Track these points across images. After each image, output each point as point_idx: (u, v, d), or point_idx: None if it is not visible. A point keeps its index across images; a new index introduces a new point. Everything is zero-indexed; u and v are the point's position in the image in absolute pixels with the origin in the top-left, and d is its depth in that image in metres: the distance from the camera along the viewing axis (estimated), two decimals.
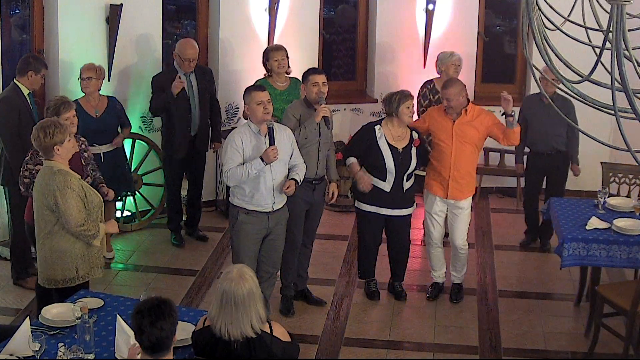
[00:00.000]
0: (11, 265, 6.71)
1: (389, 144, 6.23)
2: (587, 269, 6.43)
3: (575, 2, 2.43)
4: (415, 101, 6.77)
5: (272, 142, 5.57)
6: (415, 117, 6.87)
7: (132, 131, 7.49)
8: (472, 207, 6.67)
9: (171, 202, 7.62)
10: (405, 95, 6.22)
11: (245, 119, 5.83)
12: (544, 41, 1.90)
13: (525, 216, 7.79)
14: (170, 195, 7.60)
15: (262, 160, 5.51)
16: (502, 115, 6.24)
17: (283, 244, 5.95)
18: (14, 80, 6.49)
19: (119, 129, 7.19)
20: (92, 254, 5.07)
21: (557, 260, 6.35)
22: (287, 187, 5.68)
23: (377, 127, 6.28)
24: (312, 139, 6.06)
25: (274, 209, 5.73)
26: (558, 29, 2.04)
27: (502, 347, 5.96)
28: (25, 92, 6.45)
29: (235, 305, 3.75)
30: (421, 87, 7.59)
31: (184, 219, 7.73)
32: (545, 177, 7.60)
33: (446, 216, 6.59)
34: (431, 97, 7.45)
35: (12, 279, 6.67)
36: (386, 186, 6.27)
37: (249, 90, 5.72)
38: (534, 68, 2.07)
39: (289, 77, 7.28)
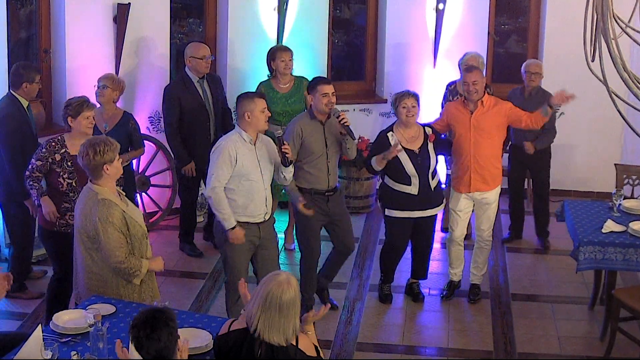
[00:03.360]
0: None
1: (404, 148, 6.15)
2: (601, 272, 6.37)
3: (634, 10, 2.34)
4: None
5: (285, 164, 5.48)
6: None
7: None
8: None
9: (187, 214, 7.46)
10: (402, 94, 6.16)
11: None
12: (618, 51, 1.81)
13: (510, 212, 7.85)
14: (186, 209, 7.45)
15: (231, 229, 5.41)
16: (547, 105, 6.16)
17: (277, 251, 5.85)
18: (11, 92, 6.27)
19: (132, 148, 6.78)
20: (139, 287, 4.76)
21: (569, 262, 6.30)
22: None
23: (389, 134, 6.22)
24: (318, 151, 5.98)
25: (265, 219, 5.62)
26: (625, 33, 1.95)
27: (517, 351, 5.89)
28: (25, 104, 6.26)
29: (279, 310, 3.67)
30: (445, 90, 7.71)
31: (205, 224, 7.57)
32: (528, 173, 7.73)
33: (471, 212, 6.56)
34: (450, 98, 7.54)
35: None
36: (413, 190, 6.18)
37: (250, 96, 5.51)
38: (613, 94, 1.96)
39: (293, 77, 7.22)
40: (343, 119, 5.89)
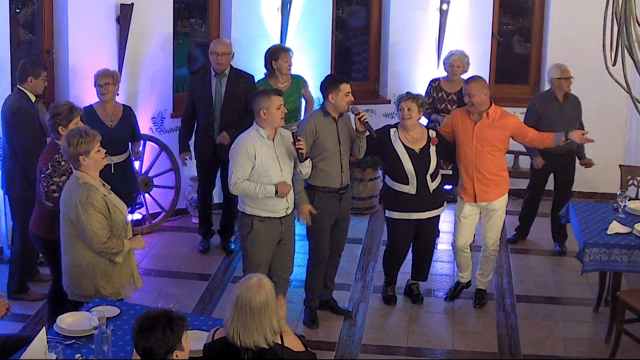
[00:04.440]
0: (9, 276, 6.46)
1: (405, 146, 6.14)
2: (606, 274, 6.34)
3: None
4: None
5: (301, 159, 5.52)
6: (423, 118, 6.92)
7: (142, 132, 7.40)
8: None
9: (199, 207, 7.55)
10: (401, 97, 6.20)
11: None
12: None
13: (522, 214, 7.81)
14: (199, 201, 7.53)
15: (276, 193, 5.47)
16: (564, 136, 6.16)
17: (294, 247, 5.89)
18: (18, 87, 6.29)
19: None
20: (118, 272, 4.83)
21: (574, 263, 6.27)
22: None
23: (392, 130, 6.23)
24: (331, 149, 5.95)
25: (287, 214, 5.67)
26: None
27: (522, 353, 5.87)
28: (33, 98, 6.28)
29: (250, 313, 3.67)
30: (428, 86, 7.70)
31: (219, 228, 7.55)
32: (550, 178, 7.60)
33: (478, 220, 6.51)
34: (434, 94, 7.55)
35: (7, 291, 6.25)
36: (411, 189, 6.17)
37: (267, 94, 5.54)
38: (636, 101, 1.92)
39: (290, 76, 7.24)
40: (363, 116, 5.89)
